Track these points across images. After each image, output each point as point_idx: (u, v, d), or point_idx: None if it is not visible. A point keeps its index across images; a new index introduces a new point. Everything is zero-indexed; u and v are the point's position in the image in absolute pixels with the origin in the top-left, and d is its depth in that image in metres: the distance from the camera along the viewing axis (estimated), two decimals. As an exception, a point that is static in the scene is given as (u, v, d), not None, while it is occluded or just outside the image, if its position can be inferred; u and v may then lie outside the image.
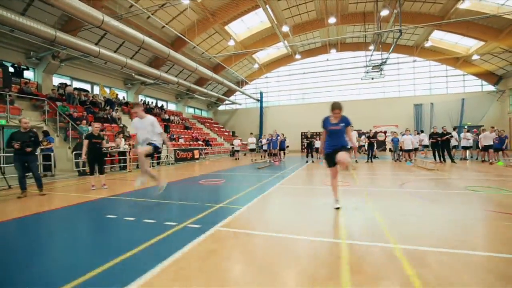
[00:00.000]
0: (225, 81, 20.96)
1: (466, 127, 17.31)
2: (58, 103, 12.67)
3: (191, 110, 27.74)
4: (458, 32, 18.22)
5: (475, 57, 19.55)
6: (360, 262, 2.23)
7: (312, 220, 3.56)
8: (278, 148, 13.80)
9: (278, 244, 2.71)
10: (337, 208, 3.98)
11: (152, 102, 21.68)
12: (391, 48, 16.03)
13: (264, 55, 25.94)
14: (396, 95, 24.04)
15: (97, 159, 6.42)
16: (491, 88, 21.52)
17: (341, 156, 3.71)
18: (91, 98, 15.02)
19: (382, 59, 18.50)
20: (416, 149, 12.02)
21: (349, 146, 4.12)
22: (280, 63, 27.20)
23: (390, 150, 13.11)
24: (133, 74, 16.15)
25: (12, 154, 5.53)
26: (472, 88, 22.06)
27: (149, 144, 4.62)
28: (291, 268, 2.18)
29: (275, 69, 27.71)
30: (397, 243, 2.61)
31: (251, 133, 16.01)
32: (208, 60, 22.03)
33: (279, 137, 13.98)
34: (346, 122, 3.96)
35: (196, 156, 16.02)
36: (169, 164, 13.77)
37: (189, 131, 21.62)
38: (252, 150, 15.40)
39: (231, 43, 20.06)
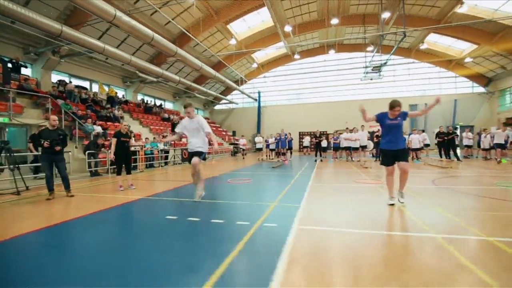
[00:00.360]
0: (227, 80, 20.78)
1: (456, 126, 18.04)
2: (59, 101, 12.13)
3: (187, 110, 27.27)
4: (453, 35, 18.93)
5: (467, 59, 20.38)
6: (480, 256, 2.24)
7: (380, 216, 3.57)
8: (287, 147, 13.82)
9: (375, 240, 2.69)
10: (392, 205, 4.02)
11: (150, 101, 21.17)
12: (393, 49, 16.43)
13: (262, 54, 25.93)
14: (392, 95, 24.65)
15: (125, 159, 6.17)
16: (481, 89, 22.52)
17: (405, 166, 3.83)
18: (92, 96, 14.46)
19: (381, 60, 18.98)
20: (422, 148, 12.37)
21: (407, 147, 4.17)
22: (278, 63, 27.28)
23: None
24: (137, 72, 15.68)
25: (39, 153, 5.21)
26: (463, 90, 23.01)
27: (198, 152, 4.50)
28: (418, 264, 2.16)
29: (273, 68, 27.76)
30: (490, 235, 2.65)
31: (258, 133, 15.94)
32: (208, 58, 21.76)
33: (287, 136, 13.99)
34: (404, 116, 4.00)
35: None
36: (176, 164, 13.48)
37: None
38: (259, 149, 15.33)
39: (233, 42, 19.89)
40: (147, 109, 19.15)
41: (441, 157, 11.80)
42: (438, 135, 11.87)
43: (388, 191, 4.11)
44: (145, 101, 20.20)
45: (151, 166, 11.86)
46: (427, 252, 2.36)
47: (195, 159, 4.45)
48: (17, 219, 3.80)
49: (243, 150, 17.27)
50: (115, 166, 6.62)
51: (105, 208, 4.31)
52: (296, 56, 24.81)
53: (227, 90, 28.71)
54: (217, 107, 31.17)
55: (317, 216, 3.66)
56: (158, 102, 22.22)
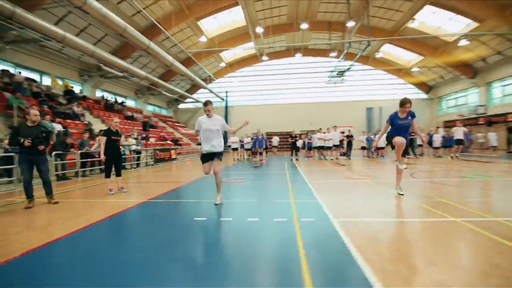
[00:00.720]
0: (197, 78, 20.17)
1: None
2: (7, 94, 10.47)
3: (150, 108, 25.73)
4: (404, 47, 21.30)
5: (414, 69, 23.11)
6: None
7: (393, 205, 3.90)
8: (264, 146, 13.99)
9: (408, 226, 2.94)
10: (401, 195, 4.43)
11: (112, 98, 19.47)
12: (357, 56, 17.90)
13: (230, 54, 25.79)
14: (352, 99, 26.70)
15: (116, 159, 5.61)
16: (424, 96, 25.74)
17: (400, 139, 4.35)
18: (45, 90, 12.74)
19: (344, 66, 20.44)
20: (385, 146, 13.66)
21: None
22: (245, 63, 27.41)
23: (363, 148, 14.59)
24: (101, 65, 14.23)
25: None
26: (410, 95, 25.98)
27: (218, 153, 4.28)
28: (457, 242, 2.44)
29: (240, 69, 27.80)
30: (499, 216, 3.11)
31: (233, 132, 15.78)
32: (175, 55, 20.82)
33: (263, 136, 14.18)
34: (412, 115, 4.40)
35: (173, 156, 15.06)
36: (148, 165, 12.63)
37: (154, 130, 20.11)
38: (234, 149, 15.21)
39: (203, 39, 19.44)
40: (108, 106, 17.58)
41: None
42: (400, 135, 13.21)
43: (397, 157, 4.50)
44: (105, 98, 18.50)
45: (123, 167, 10.90)
46: (457, 233, 2.68)
47: (216, 167, 4.19)
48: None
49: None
50: (89, 168, 5.96)
51: (110, 214, 3.86)
52: (265, 58, 25.23)
53: (193, 88, 27.89)
54: (181, 106, 30.03)
55: (343, 209, 3.82)
56: (119, 99, 20.50)
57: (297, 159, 13.73)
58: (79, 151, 8.49)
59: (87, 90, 17.26)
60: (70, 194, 5.67)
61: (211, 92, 24.37)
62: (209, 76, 23.49)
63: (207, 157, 4.34)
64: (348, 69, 19.92)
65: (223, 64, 25.92)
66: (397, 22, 18.79)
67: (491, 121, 17.87)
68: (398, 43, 21.06)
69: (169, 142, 18.85)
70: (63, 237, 2.88)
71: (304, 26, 18.85)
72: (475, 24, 15.99)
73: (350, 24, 17.56)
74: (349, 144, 13.70)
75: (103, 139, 5.43)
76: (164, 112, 28.06)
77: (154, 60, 20.33)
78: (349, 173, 7.93)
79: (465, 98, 21.60)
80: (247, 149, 15.13)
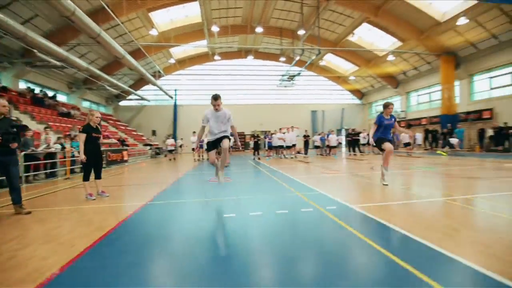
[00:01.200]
0: (147, 74, 18.72)
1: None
2: None
3: (86, 104, 22.63)
4: (343, 57, 24.02)
5: (351, 77, 26.25)
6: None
7: (389, 191, 4.58)
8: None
9: (417, 206, 3.56)
10: (386, 184, 5.16)
11: (41, 90, 16.49)
12: (307, 63, 19.40)
13: (180, 50, 24.70)
14: (298, 102, 28.64)
15: (97, 160, 4.95)
16: (358, 101, 29.45)
17: (390, 146, 4.98)
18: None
19: (294, 71, 21.92)
20: (338, 145, 15.24)
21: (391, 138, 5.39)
22: (196, 61, 26.65)
23: (316, 147, 15.91)
24: (36, 52, 11.87)
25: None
26: (348, 101, 29.40)
27: (226, 136, 4.29)
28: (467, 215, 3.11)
29: (190, 66, 26.88)
30: (467, 194, 4.02)
31: (194, 132, 15.22)
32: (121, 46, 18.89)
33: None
34: (394, 117, 5.20)
35: (125, 157, 13.69)
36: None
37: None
38: (195, 149, 14.71)
39: (154, 32, 18.17)
40: (37, 101, 14.88)
41: (349, 151, 14.94)
42: (349, 135, 14.94)
43: (384, 163, 5.14)
44: (32, 90, 15.58)
45: (72, 171, 9.46)
46: (456, 207, 3.40)
47: (226, 142, 4.15)
48: None
49: (171, 151, 15.96)
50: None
51: (120, 221, 3.48)
52: (217, 57, 24.99)
53: (137, 84, 25.71)
54: (122, 103, 27.31)
55: (349, 197, 4.27)
56: (48, 93, 17.46)
57: (259, 158, 14.13)
58: (23, 153, 7.05)
59: (7, 80, 14.24)
60: (39, 203, 4.76)
61: (160, 89, 22.90)
62: (158, 72, 22.00)
63: (214, 144, 4.33)
64: (299, 74, 21.42)
65: (172, 61, 24.61)
66: (340, 35, 21.09)
67: (410, 124, 21.63)
68: (339, 54, 23.63)
69: (116, 142, 16.98)
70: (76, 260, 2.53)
71: (259, 29, 19.47)
72: (399, 43, 19.17)
73: (301, 32, 18.94)
74: (306, 143, 14.81)
75: (82, 137, 4.74)
76: (102, 109, 25.04)
77: (95, 50, 18.12)
78: (321, 169, 8.66)
79: (390, 105, 25.59)
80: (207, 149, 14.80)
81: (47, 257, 2.32)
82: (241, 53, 26.49)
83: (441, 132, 17.00)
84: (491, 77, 16.09)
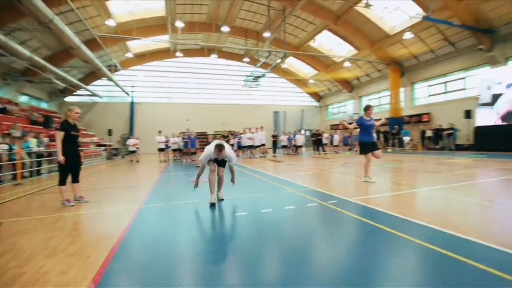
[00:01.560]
0: (103, 67, 17.11)
1: (304, 128, 24.28)
2: None
3: (24, 99, 19.67)
4: (304, 61, 25.24)
5: (311, 81, 27.71)
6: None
7: (379, 184, 5.04)
8: (196, 146, 13.55)
9: (412, 195, 4.03)
10: (373, 182, 5.59)
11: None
12: (272, 65, 19.99)
13: (138, 44, 23.11)
14: (261, 103, 29.15)
15: (75, 161, 4.43)
16: (316, 104, 31.20)
17: (379, 153, 5.49)
18: None
19: (259, 72, 22.32)
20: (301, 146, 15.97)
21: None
22: (156, 56, 25.22)
23: (283, 146, 16.44)
24: None
25: None
26: (307, 103, 30.92)
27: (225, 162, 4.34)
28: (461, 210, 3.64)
29: (149, 62, 25.35)
30: (415, 187, 4.67)
31: (159, 131, 14.41)
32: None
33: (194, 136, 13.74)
34: (372, 119, 5.71)
35: (82, 159, 12.30)
36: (52, 171, 9.93)
37: (37, 127, 15.64)
38: (161, 149, 13.95)
39: (111, 23, 16.66)
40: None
41: (314, 150, 15.81)
42: (313, 135, 15.78)
43: (365, 172, 5.65)
44: (-46, 80, 13.01)
45: (24, 176, 8.20)
46: (438, 195, 3.95)
47: (222, 171, 4.26)
48: None
49: (133, 152, 14.77)
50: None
51: (124, 228, 3.22)
52: (179, 54, 23.97)
53: (88, 78, 23.31)
54: (69, 99, 24.40)
55: (343, 192, 4.58)
56: (-24, 84, 14.79)
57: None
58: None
59: None
60: (3, 213, 4.07)
61: (116, 85, 21.12)
62: (114, 66, 20.24)
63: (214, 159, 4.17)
64: (263, 75, 21.85)
65: (129, 55, 22.85)
66: (302, 40, 22.11)
67: (363, 126, 23.73)
68: (300, 57, 24.75)
69: (97, 142, 15.13)
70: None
71: (225, 29, 19.33)
72: (355, 51, 20.90)
73: (267, 34, 19.37)
74: (274, 143, 15.22)
75: (60, 135, 4.22)
76: (44, 105, 22.01)
77: (38, 37, 15.92)
78: (296, 168, 9.02)
79: (345, 107, 27.72)
80: (174, 150, 14.19)
81: (64, 271, 2.06)
82: (204, 51, 25.90)
83: (390, 133, 19.04)
84: (429, 86, 18.61)
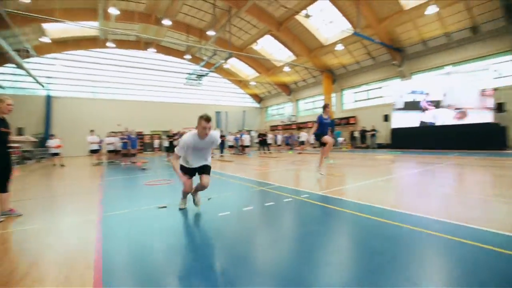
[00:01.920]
0: (10, 51, 14.00)
1: (246, 129, 24.96)
2: None
3: None
4: (246, 63, 25.78)
5: (252, 83, 28.46)
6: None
7: (332, 178, 5.56)
8: (137, 147, 12.36)
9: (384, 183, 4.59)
10: (322, 174, 6.16)
11: None
12: (216, 65, 19.86)
13: (59, 28, 19.69)
14: (203, 102, 28.47)
15: (6, 166, 3.55)
16: (257, 105, 32.20)
17: (331, 139, 6.09)
18: None
19: (202, 71, 21.84)
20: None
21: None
22: (81, 45, 21.94)
23: (230, 146, 16.43)
24: None
25: None
26: (248, 104, 31.62)
27: (207, 166, 3.68)
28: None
29: (72, 50, 21.88)
30: (368, 179, 5.47)
31: (92, 130, 12.55)
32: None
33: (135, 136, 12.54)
34: (329, 117, 6.28)
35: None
36: None
37: None
38: (94, 151, 12.21)
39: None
40: None
41: (259, 150, 16.33)
42: (260, 135, 16.28)
43: (320, 163, 6.13)
44: None
45: None
46: (380, 184, 4.63)
47: (206, 179, 3.54)
48: None
49: (56, 155, 12.44)
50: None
51: (96, 240, 2.76)
52: (110, 44, 21.44)
53: (-16, 65, 18.71)
54: (-46, 88, 19.10)
55: (308, 186, 4.91)
56: None
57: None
58: None
59: None
60: None
61: (29, 74, 17.56)
62: (26, 51, 16.75)
63: (193, 172, 3.64)
64: (206, 74, 21.44)
65: (46, 39, 19.26)
66: (245, 42, 22.55)
67: (300, 126, 25.63)
68: (243, 59, 25.19)
69: (35, 140, 11.78)
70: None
71: (167, 22, 18.19)
72: (294, 57, 22.44)
73: (211, 33, 19.09)
74: (222, 143, 15.09)
75: (-16, 132, 3.32)
76: None
77: None
78: (250, 167, 9.18)
79: (284, 109, 29.42)
80: (110, 151, 12.63)
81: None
82: (141, 44, 23.82)
83: (324, 133, 21.09)
84: (355, 92, 21.37)
